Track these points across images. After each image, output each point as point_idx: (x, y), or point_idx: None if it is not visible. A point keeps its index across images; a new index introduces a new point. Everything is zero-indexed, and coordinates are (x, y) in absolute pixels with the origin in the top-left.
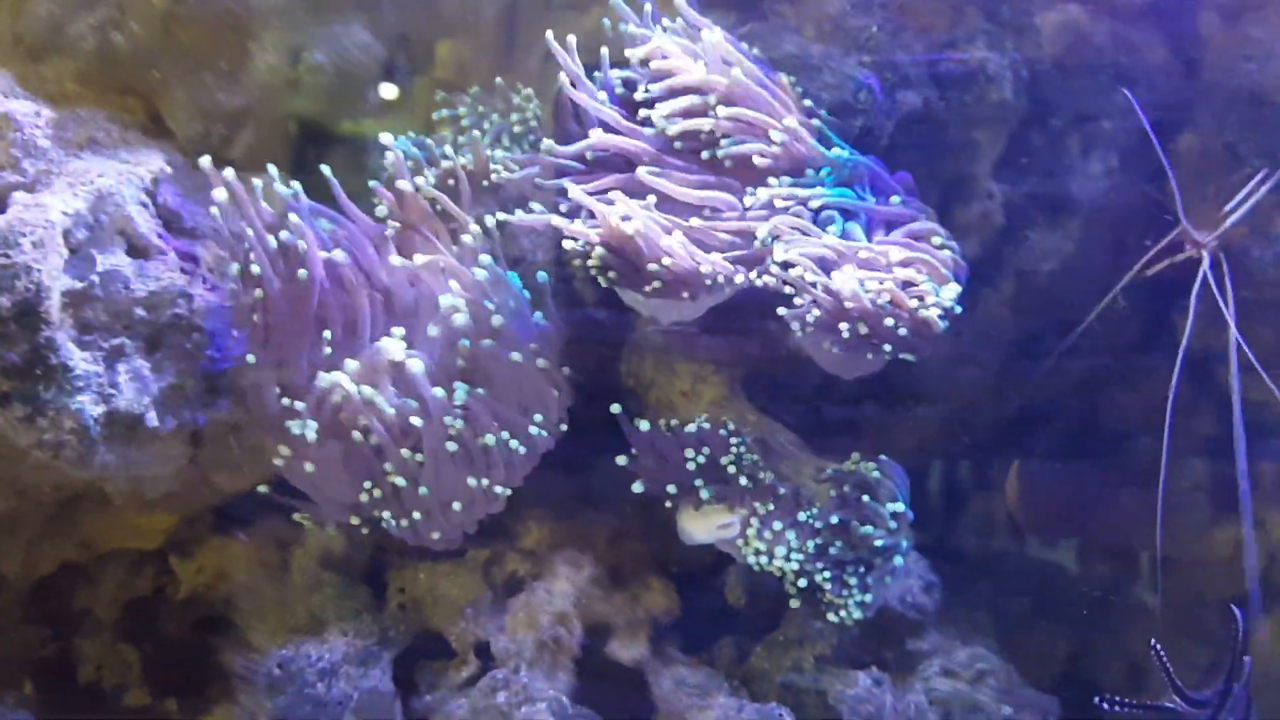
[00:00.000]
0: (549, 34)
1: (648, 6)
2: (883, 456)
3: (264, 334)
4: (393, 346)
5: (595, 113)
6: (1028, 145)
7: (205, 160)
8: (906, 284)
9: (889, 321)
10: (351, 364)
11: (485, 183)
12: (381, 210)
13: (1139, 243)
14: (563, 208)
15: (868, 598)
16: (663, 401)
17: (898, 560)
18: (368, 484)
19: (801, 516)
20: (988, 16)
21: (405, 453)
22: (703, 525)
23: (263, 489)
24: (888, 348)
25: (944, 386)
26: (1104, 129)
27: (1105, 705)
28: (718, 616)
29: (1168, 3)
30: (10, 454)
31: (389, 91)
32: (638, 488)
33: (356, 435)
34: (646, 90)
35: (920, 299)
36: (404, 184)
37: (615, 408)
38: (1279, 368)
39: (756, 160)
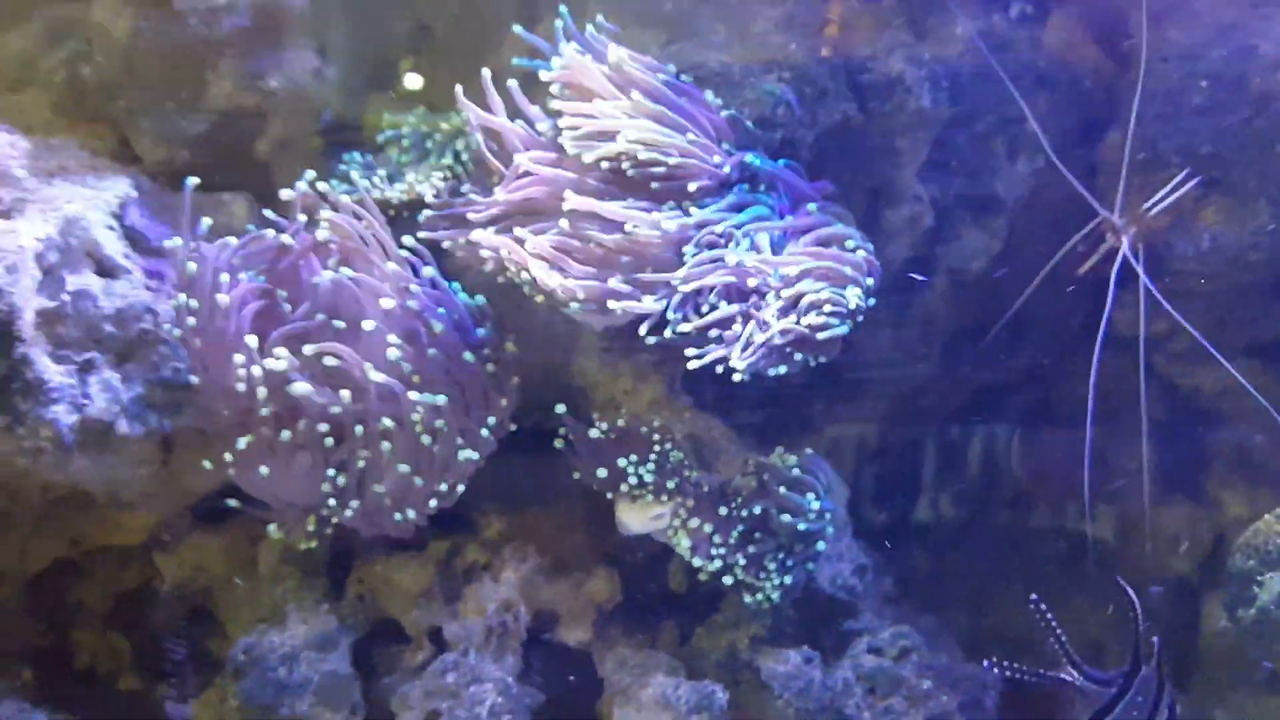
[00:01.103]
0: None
1: (559, 25)
2: (808, 450)
3: (200, 354)
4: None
5: (510, 136)
6: (954, 149)
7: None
8: (800, 296)
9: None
10: (274, 360)
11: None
12: (323, 233)
13: (1066, 237)
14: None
15: (787, 579)
16: (607, 400)
17: (820, 546)
18: (323, 483)
19: (722, 511)
20: (910, 28)
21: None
22: (638, 517)
23: (231, 501)
24: (799, 356)
25: (885, 376)
26: (1029, 131)
27: (995, 670)
28: (661, 601)
29: (1101, 6)
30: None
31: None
32: (576, 476)
33: (287, 434)
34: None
35: (818, 307)
36: (326, 214)
37: (560, 408)
38: (1209, 352)
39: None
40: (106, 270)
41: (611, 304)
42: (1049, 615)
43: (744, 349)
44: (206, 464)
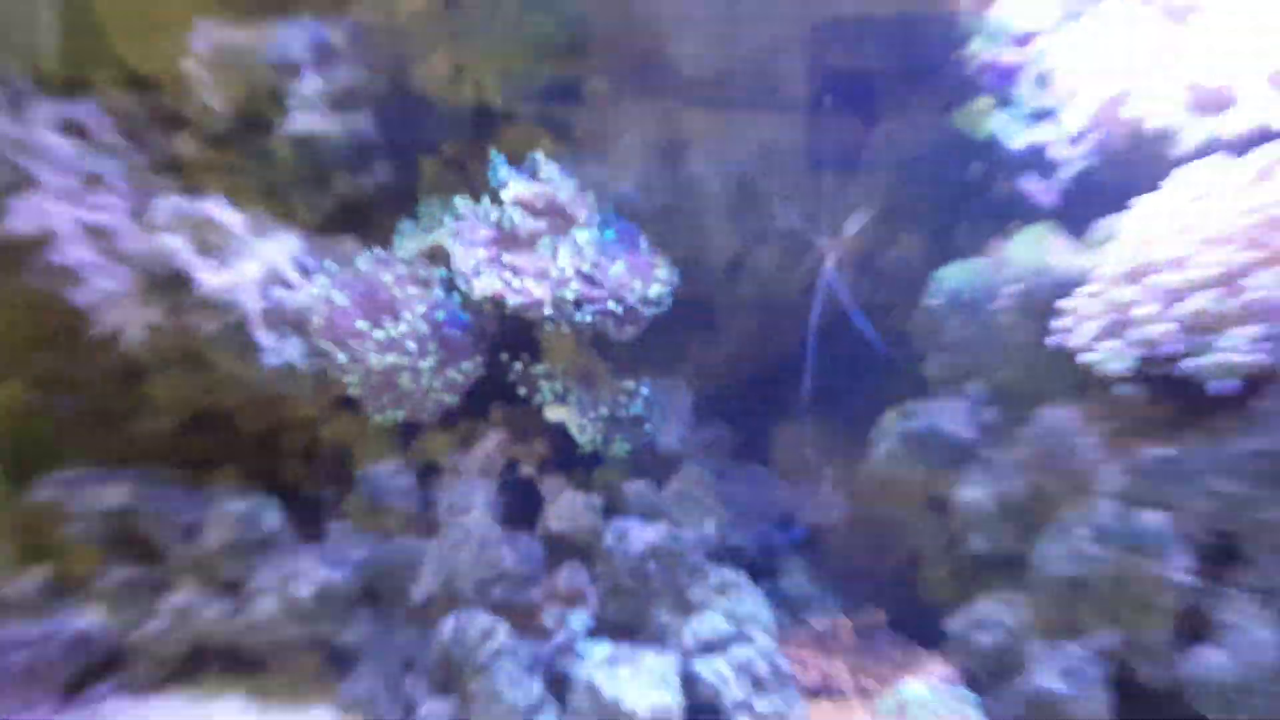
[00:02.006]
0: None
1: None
2: (645, 379)
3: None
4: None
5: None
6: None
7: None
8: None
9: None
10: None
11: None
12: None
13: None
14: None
15: (627, 446)
16: (548, 352)
17: (647, 427)
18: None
19: (591, 414)
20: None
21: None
22: (554, 414)
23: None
24: (629, 328)
25: (716, 336)
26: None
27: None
28: (573, 457)
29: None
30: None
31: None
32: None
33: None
34: None
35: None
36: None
37: (503, 356)
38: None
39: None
40: (287, 285)
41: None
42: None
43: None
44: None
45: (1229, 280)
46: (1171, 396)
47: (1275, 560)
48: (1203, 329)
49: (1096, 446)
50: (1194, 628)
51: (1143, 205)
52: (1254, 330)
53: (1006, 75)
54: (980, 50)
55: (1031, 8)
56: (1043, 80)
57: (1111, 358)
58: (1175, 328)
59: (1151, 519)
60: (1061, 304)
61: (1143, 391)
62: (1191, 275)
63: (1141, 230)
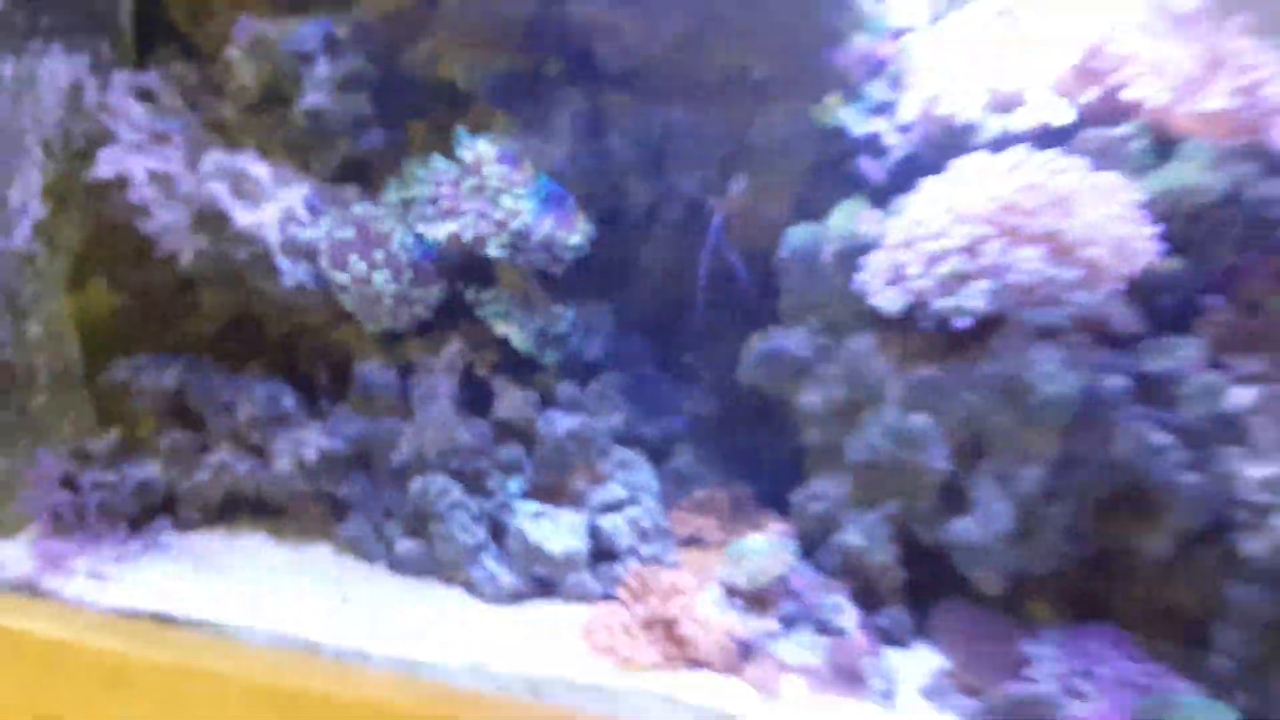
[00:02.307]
0: None
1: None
2: (573, 304)
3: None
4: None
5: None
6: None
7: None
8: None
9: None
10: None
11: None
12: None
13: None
14: None
15: (555, 355)
16: (498, 280)
17: (571, 341)
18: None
19: (528, 329)
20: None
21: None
22: (500, 329)
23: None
24: (556, 266)
25: (635, 272)
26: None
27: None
28: (518, 363)
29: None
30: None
31: None
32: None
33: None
34: None
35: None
36: None
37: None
38: None
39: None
40: (300, 222)
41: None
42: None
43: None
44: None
45: (973, 248)
46: (935, 333)
47: (1007, 452)
48: (953, 283)
49: (885, 367)
50: (954, 502)
51: (926, 187)
52: (985, 284)
53: (879, 67)
54: (861, 44)
55: (908, 6)
56: (896, 75)
57: (889, 302)
58: (933, 283)
59: (919, 421)
60: (863, 260)
61: (916, 328)
62: (946, 244)
63: (920, 206)
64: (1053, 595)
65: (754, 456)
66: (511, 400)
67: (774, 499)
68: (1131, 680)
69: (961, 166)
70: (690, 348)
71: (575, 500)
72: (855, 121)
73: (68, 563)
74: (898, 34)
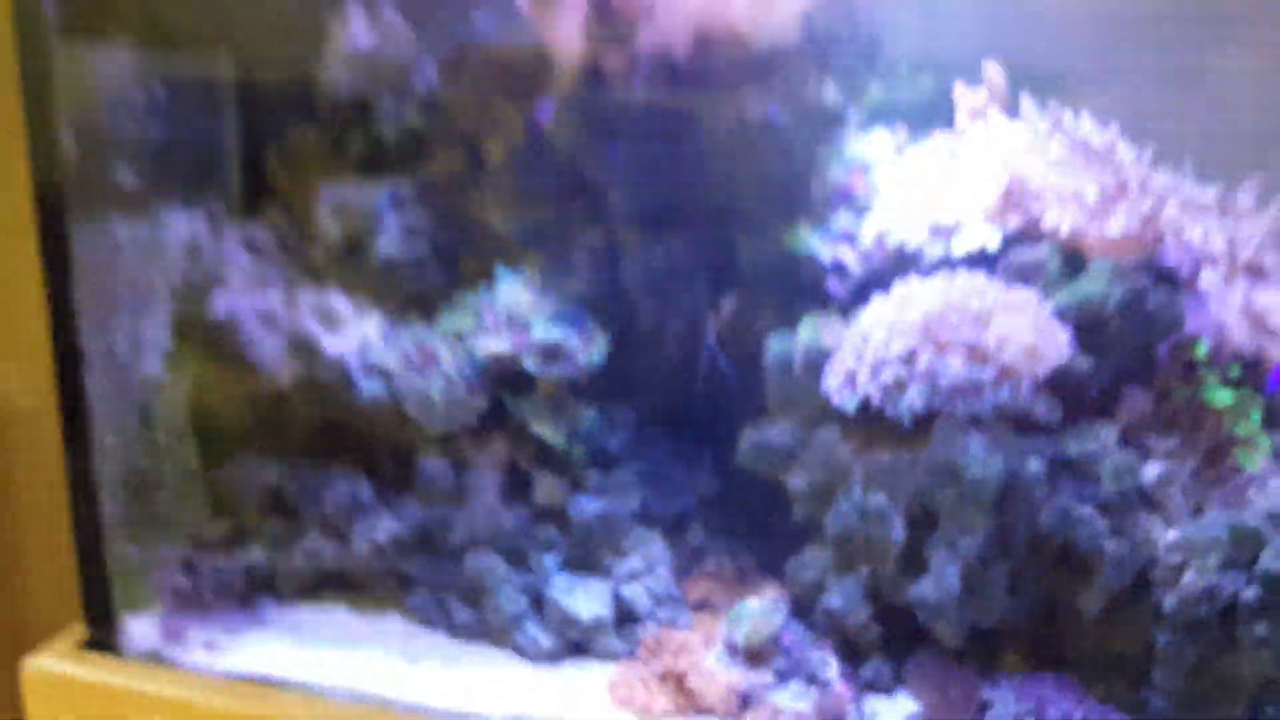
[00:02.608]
0: None
1: None
2: (596, 407)
3: None
4: None
5: None
6: None
7: None
8: None
9: None
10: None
11: None
12: None
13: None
14: None
15: (583, 450)
16: (541, 393)
17: (596, 438)
18: None
19: (560, 428)
20: None
21: None
22: (537, 428)
23: None
24: (581, 375)
25: (651, 376)
26: None
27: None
28: (557, 456)
29: None
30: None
31: None
32: None
33: None
34: None
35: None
36: None
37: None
38: None
39: None
40: (374, 347)
41: None
42: None
43: None
44: None
45: (908, 357)
46: (887, 425)
47: (952, 525)
48: (895, 387)
49: (850, 454)
50: (916, 566)
51: (873, 305)
52: (919, 387)
53: (848, 196)
54: (835, 175)
55: (875, 141)
56: (861, 205)
57: (845, 402)
58: (878, 387)
59: (879, 499)
60: (825, 366)
61: (872, 422)
62: (886, 355)
63: (866, 322)
64: (1013, 646)
65: (755, 531)
66: (547, 488)
67: (774, 567)
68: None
69: (900, 288)
70: (698, 439)
71: (602, 572)
72: (821, 248)
73: (187, 635)
74: (866, 167)
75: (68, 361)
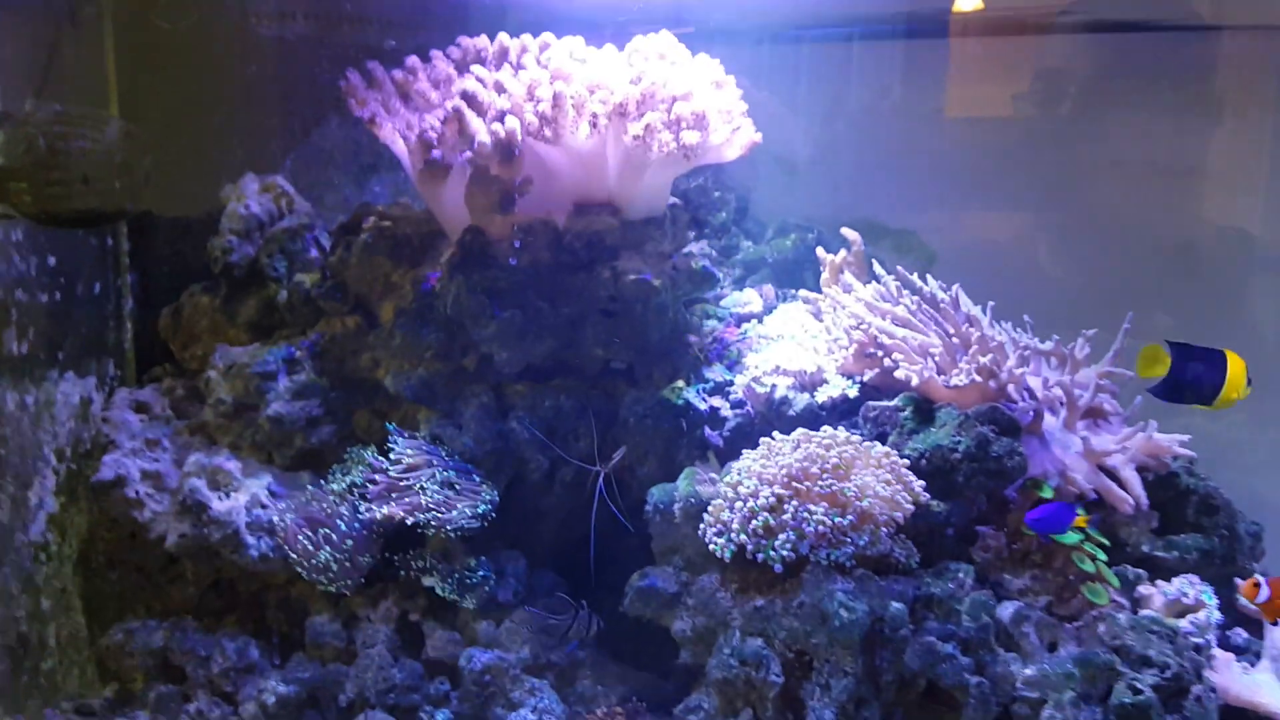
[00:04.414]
0: None
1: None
2: (485, 557)
3: None
4: None
5: None
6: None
7: None
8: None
9: None
10: None
11: None
12: None
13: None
14: None
15: (473, 602)
16: (431, 548)
17: (486, 589)
18: None
19: (449, 581)
20: None
21: None
22: (427, 581)
23: None
24: (470, 528)
25: (541, 524)
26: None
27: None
28: (448, 607)
29: None
30: (241, 566)
31: None
32: None
33: None
34: None
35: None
36: None
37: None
38: None
39: None
40: (263, 507)
41: None
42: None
43: None
44: None
45: (777, 507)
46: (761, 571)
47: (825, 665)
48: (763, 534)
49: (728, 599)
50: (796, 709)
51: (743, 458)
52: (786, 536)
53: (723, 349)
54: (711, 328)
55: (748, 298)
56: (735, 358)
57: (720, 550)
58: (749, 535)
59: (754, 643)
60: (702, 514)
61: (746, 568)
62: (753, 506)
63: (736, 474)
64: None
65: (646, 674)
66: (438, 641)
67: (665, 711)
68: None
69: (767, 442)
70: (588, 584)
71: None
72: (697, 400)
73: None
74: (740, 320)
75: None
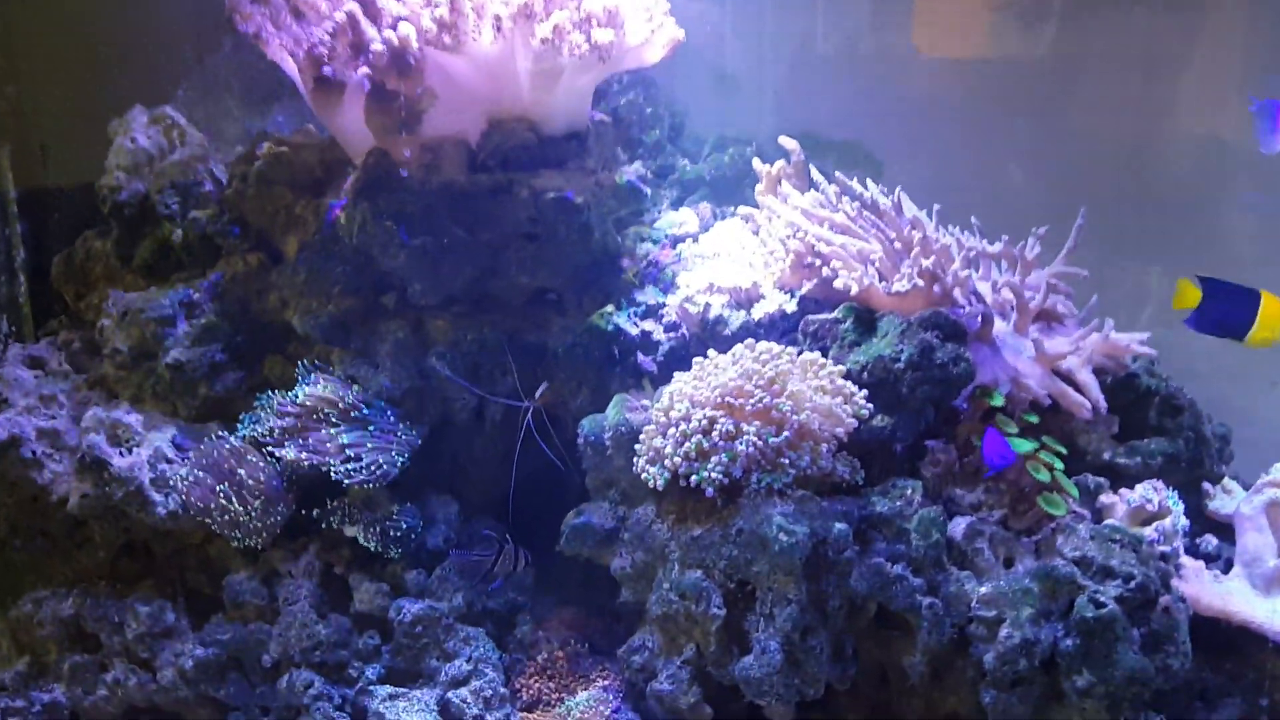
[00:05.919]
0: None
1: None
2: (411, 503)
3: None
4: None
5: None
6: None
7: None
8: None
9: None
10: None
11: None
12: None
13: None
14: None
15: (399, 550)
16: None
17: (412, 537)
18: None
19: (373, 531)
20: None
21: None
22: (350, 532)
23: None
24: (389, 473)
25: (473, 464)
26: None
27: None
28: (374, 558)
29: None
30: (151, 525)
31: None
32: None
33: None
34: None
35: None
36: None
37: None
38: None
39: None
40: (169, 461)
41: None
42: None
43: None
44: None
45: (709, 429)
46: (698, 499)
47: (768, 594)
48: (697, 459)
49: (665, 531)
50: (740, 642)
51: (674, 380)
52: (719, 458)
53: (657, 272)
54: (645, 250)
55: (684, 217)
56: (669, 280)
57: (653, 478)
58: (682, 460)
59: (694, 575)
60: (635, 443)
61: (684, 497)
62: (686, 429)
63: (668, 397)
64: (851, 710)
65: (587, 616)
66: (365, 594)
67: (609, 654)
68: None
69: (700, 362)
70: (523, 525)
71: (427, 679)
72: (628, 325)
73: None
74: (675, 241)
75: None
